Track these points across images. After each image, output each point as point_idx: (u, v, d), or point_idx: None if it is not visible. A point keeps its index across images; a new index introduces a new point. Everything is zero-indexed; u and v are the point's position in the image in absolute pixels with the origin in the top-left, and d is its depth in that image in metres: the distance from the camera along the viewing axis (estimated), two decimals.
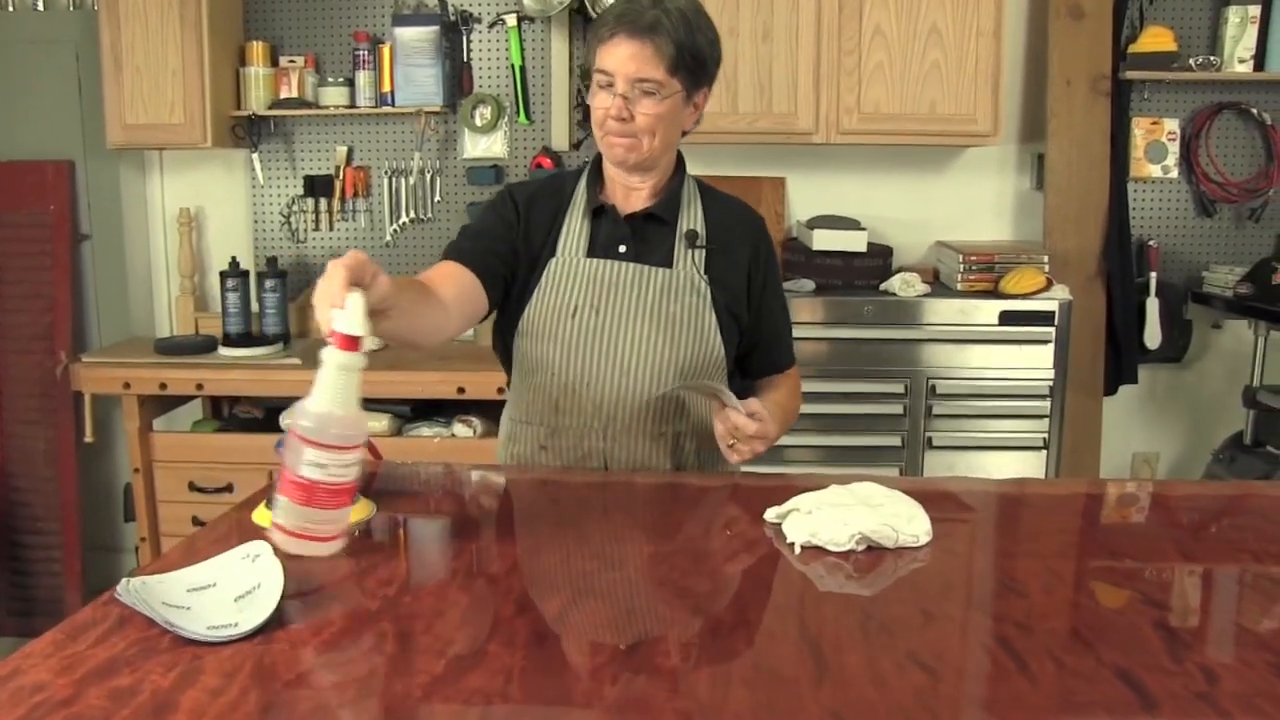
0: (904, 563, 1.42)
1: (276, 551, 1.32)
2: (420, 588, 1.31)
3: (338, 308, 1.24)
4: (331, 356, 1.24)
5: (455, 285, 1.74)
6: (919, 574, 1.40)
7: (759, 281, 1.93)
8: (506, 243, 1.86)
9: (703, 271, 1.87)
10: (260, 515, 1.54)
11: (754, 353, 1.98)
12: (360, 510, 1.56)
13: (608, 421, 1.86)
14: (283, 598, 1.22)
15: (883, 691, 1.05)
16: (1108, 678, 1.08)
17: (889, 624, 1.22)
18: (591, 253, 1.87)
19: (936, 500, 1.59)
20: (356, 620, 1.21)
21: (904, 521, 1.47)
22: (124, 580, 1.23)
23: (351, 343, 1.24)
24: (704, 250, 1.88)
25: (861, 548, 1.44)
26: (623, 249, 1.87)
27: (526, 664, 1.11)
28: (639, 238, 1.88)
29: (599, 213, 1.89)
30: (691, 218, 1.90)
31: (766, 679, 1.08)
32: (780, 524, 1.52)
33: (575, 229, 1.88)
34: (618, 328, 1.84)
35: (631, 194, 1.89)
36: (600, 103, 1.78)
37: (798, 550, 1.44)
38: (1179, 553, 1.50)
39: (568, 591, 1.33)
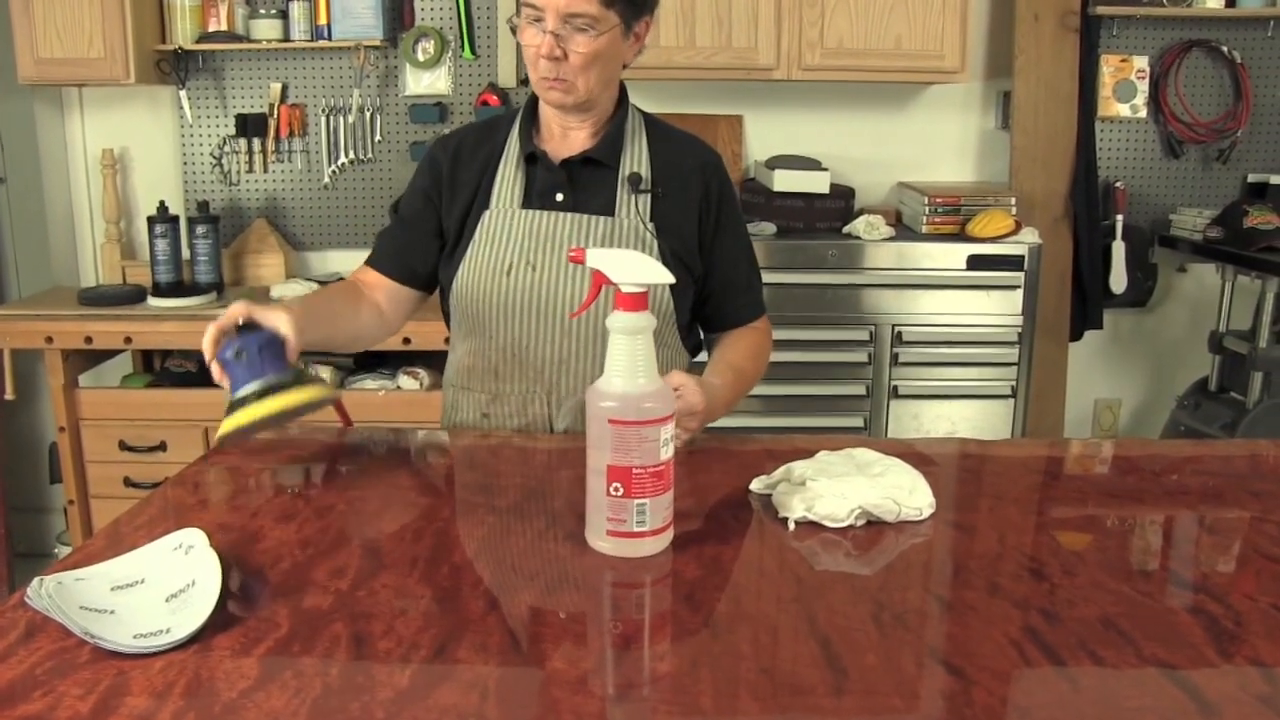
0: (906, 538, 1.31)
1: (212, 541, 1.17)
2: (376, 579, 1.17)
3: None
4: (621, 321, 1.21)
5: (384, 292, 1.80)
6: (925, 553, 1.28)
7: (710, 224, 1.77)
8: (429, 225, 1.79)
9: (648, 219, 1.72)
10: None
11: (709, 303, 1.82)
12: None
13: (551, 387, 1.73)
14: (221, 597, 1.07)
15: (910, 700, 0.94)
16: (1154, 677, 0.97)
17: (904, 615, 1.10)
18: (527, 203, 1.72)
19: (926, 464, 1.47)
20: (306, 621, 1.07)
21: (905, 493, 1.35)
22: (36, 581, 1.07)
23: (640, 301, 1.20)
24: (649, 195, 1.73)
25: (861, 523, 1.33)
26: (560, 197, 1.71)
27: (503, 673, 0.97)
28: (577, 184, 1.72)
29: (532, 159, 1.73)
30: (635, 158, 1.74)
31: (777, 687, 0.95)
32: (769, 495, 1.40)
33: (509, 178, 1.73)
34: (557, 285, 1.69)
35: (570, 134, 1.73)
36: (530, 39, 1.60)
37: (792, 527, 1.32)
38: (1200, 526, 1.40)
39: (542, 581, 1.20)
